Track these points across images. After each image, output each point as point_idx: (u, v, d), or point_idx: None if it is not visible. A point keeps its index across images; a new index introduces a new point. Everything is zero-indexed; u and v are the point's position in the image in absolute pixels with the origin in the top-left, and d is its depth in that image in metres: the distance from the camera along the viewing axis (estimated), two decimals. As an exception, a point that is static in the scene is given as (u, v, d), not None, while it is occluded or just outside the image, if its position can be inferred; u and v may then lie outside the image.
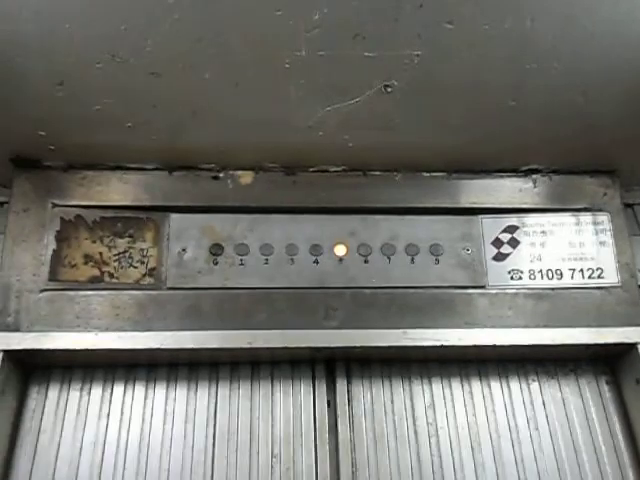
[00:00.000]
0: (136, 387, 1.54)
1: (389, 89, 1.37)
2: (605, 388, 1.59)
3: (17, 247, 1.49)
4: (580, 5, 1.21)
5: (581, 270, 1.58)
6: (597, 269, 1.58)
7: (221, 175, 1.60)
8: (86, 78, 1.31)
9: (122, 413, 1.51)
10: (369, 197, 1.61)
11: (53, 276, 1.49)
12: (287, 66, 1.30)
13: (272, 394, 1.55)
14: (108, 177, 1.57)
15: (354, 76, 1.33)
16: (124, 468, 1.46)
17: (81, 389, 1.53)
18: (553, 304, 1.54)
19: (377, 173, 1.63)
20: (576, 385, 1.60)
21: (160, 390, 1.54)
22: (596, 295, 1.55)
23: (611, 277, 1.56)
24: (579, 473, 1.50)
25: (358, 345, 1.48)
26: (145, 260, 1.53)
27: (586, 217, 1.62)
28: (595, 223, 1.62)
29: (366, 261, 1.56)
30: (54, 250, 1.50)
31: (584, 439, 1.54)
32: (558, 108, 1.43)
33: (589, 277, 1.57)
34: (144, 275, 1.52)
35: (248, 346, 1.46)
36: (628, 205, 1.70)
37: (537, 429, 1.54)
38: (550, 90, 1.38)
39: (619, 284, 1.56)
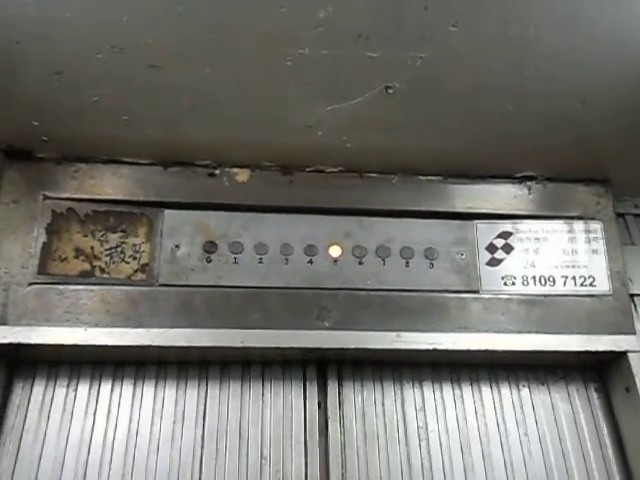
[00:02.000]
0: (124, 385, 1.51)
1: (390, 90, 1.36)
2: (594, 395, 1.60)
3: (5, 239, 1.46)
4: (583, 14, 1.22)
5: (573, 277, 1.58)
6: (589, 277, 1.58)
7: (217, 172, 1.58)
8: (85, 68, 1.28)
9: (109, 412, 1.48)
10: (365, 199, 1.60)
11: (42, 269, 1.45)
12: (289, 64, 1.29)
13: (262, 395, 1.53)
14: (102, 170, 1.54)
15: (356, 76, 1.33)
16: (110, 469, 1.43)
17: (67, 386, 1.50)
18: (545, 310, 1.55)
19: (374, 175, 1.62)
20: (566, 392, 1.61)
21: (149, 389, 1.51)
22: (587, 303, 1.56)
23: (603, 285, 1.57)
24: (567, 478, 1.50)
25: (351, 347, 1.47)
26: (137, 256, 1.51)
27: (579, 225, 1.63)
28: (588, 231, 1.63)
29: (361, 263, 1.56)
30: (44, 243, 1.47)
31: (573, 445, 1.54)
32: (556, 116, 1.44)
33: (581, 284, 1.58)
34: (136, 271, 1.50)
35: (240, 345, 1.44)
36: (620, 215, 1.71)
37: (527, 434, 1.54)
38: (549, 97, 1.39)
39: (610, 292, 1.57)
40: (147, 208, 1.55)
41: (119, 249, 1.51)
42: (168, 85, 1.33)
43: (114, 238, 1.52)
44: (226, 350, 1.47)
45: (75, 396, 1.49)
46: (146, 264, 1.51)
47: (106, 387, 1.51)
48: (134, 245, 1.52)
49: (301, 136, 1.48)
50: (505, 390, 1.59)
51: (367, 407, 1.54)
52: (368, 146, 1.53)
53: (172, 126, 1.45)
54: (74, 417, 1.47)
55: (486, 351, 1.50)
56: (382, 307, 1.52)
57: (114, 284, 1.47)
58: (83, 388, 1.50)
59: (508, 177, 1.65)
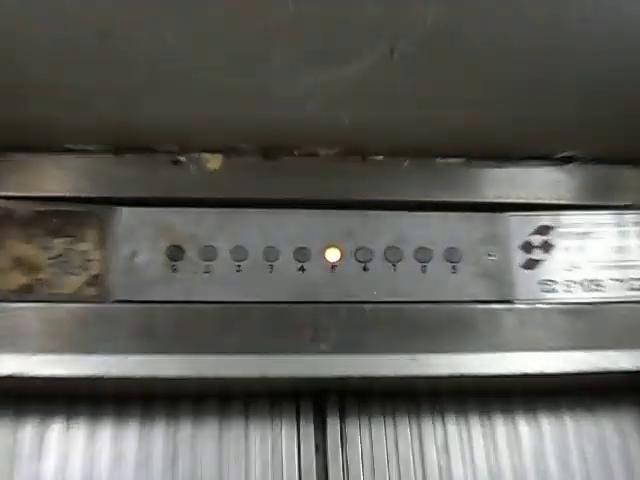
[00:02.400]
0: (77, 424, 1.56)
1: (395, 54, 1.39)
2: (651, 425, 1.66)
3: None
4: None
5: (626, 280, 1.62)
6: (645, 280, 1.63)
7: (182, 159, 1.62)
8: (20, 36, 1.30)
9: (59, 456, 1.53)
10: (369, 188, 1.63)
11: (-29, 285, 1.50)
12: (269, 24, 1.30)
13: (246, 436, 1.58)
14: (41, 162, 1.58)
15: (353, 38, 1.34)
16: (59, 525, 1.48)
17: (8, 425, 1.54)
18: (593, 322, 1.58)
19: (380, 158, 1.65)
20: (617, 420, 1.66)
21: (106, 428, 1.56)
22: (643, 311, 1.61)
23: (662, 289, 1.62)
24: (621, 526, 1.57)
25: (355, 374, 1.50)
26: (87, 265, 1.55)
27: (631, 216, 1.67)
28: (641, 224, 1.68)
29: (365, 269, 1.59)
30: (-29, 253, 1.52)
31: (626, 485, 1.60)
32: (600, 83, 1.46)
33: (635, 289, 1.62)
34: (85, 284, 1.54)
35: (216, 375, 1.48)
36: (682, 203, 1.74)
37: (569, 470, 1.60)
38: (591, 59, 1.40)
39: (672, 298, 1.62)
40: (97, 206, 1.58)
41: (64, 258, 1.55)
42: (121, 55, 1.35)
43: (58, 244, 1.55)
44: (199, 381, 1.50)
45: (17, 438, 1.54)
46: (97, 276, 1.55)
47: (55, 427, 1.55)
48: (82, 252, 1.56)
49: (287, 111, 1.50)
50: (545, 421, 1.64)
51: (377, 448, 1.58)
52: (372, 122, 1.55)
53: (126, 104, 1.48)
54: (17, 463, 1.51)
55: (522, 375, 1.52)
56: (393, 324, 1.55)
57: (59, 301, 1.51)
58: (26, 428, 1.55)
59: (546, 159, 1.68)
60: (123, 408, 1.58)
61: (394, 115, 1.54)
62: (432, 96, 1.50)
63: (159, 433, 1.57)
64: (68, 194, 1.58)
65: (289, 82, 1.44)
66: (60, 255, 1.55)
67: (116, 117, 1.52)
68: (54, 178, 1.58)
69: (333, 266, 1.59)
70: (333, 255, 1.60)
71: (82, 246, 1.56)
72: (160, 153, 1.62)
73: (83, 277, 1.55)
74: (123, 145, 1.61)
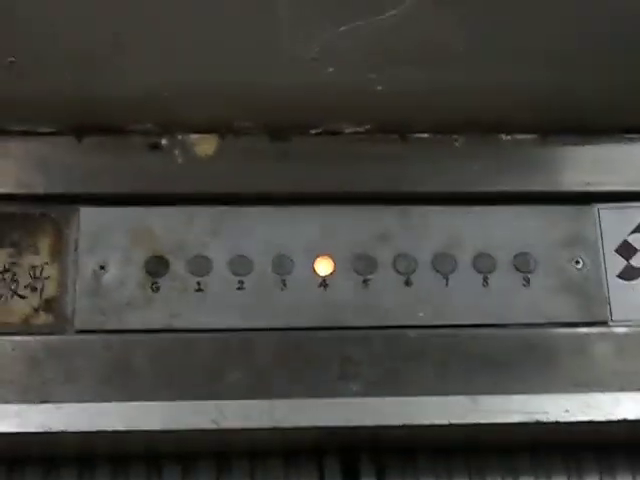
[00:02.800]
0: (25, 497, 1.54)
1: (445, -5, 1.38)
2: None
3: None
4: None
5: None
6: None
7: (164, 142, 1.60)
8: None
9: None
10: (411, 176, 1.61)
11: None
12: None
13: (252, 507, 1.56)
14: (-24, 147, 1.57)
15: None
16: None
17: None
18: None
19: (424, 136, 1.64)
20: None
21: (68, 498, 1.55)
22: None
23: None
24: None
25: (395, 423, 1.47)
26: (39, 285, 1.53)
27: None
28: None
29: (408, 283, 1.57)
30: None
31: None
32: None
33: None
34: (37, 310, 1.52)
35: (212, 427, 1.45)
36: None
37: None
38: None
39: None
40: (52, 206, 1.57)
41: (8, 275, 1.53)
42: (80, 5, 1.33)
43: (0, 257, 1.54)
44: (190, 435, 1.48)
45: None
46: (53, 298, 1.52)
47: (-7, 503, 1.54)
48: (32, 268, 1.54)
49: (300, 77, 1.49)
50: (656, 484, 1.61)
51: (426, 522, 1.57)
52: (411, 88, 1.53)
53: (88, 70, 1.46)
54: None
55: (623, 422, 1.49)
56: (445, 355, 1.52)
57: (2, 333, 1.49)
58: (-44, 507, 1.53)
59: (647, 131, 1.67)
60: (86, 473, 1.57)
61: (441, 78, 1.52)
62: (490, 51, 1.47)
63: (138, 503, 1.56)
64: (13, 191, 1.56)
65: (302, 37, 1.42)
66: (3, 272, 1.53)
67: (75, 88, 1.50)
68: (-5, 170, 1.57)
69: (365, 280, 1.57)
70: (365, 265, 1.57)
71: (32, 259, 1.54)
72: (134, 135, 1.60)
73: (34, 301, 1.52)
74: (85, 125, 1.59)
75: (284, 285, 1.56)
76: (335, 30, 1.41)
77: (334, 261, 1.58)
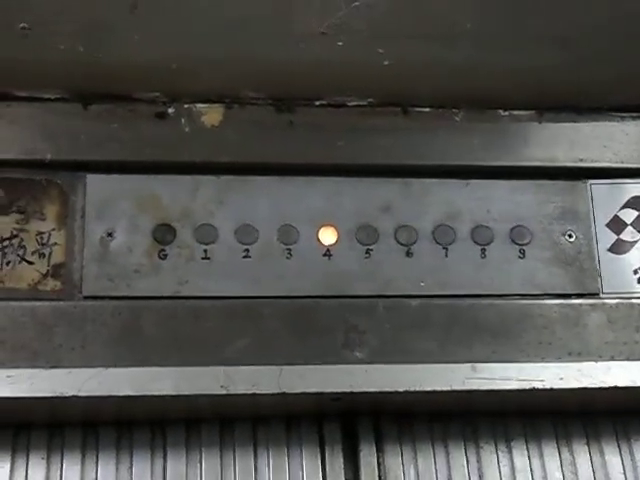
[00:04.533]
0: (32, 459, 1.55)
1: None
2: None
3: None
4: None
5: None
6: None
7: (170, 111, 1.60)
8: None
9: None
10: (413, 149, 1.63)
11: None
12: None
13: (255, 468, 1.58)
14: (-17, 113, 1.55)
15: None
16: None
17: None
18: (702, 322, 1.60)
19: (427, 110, 1.65)
20: None
21: (71, 464, 1.55)
22: None
23: None
24: None
25: (397, 389, 1.50)
26: (46, 251, 1.52)
27: None
28: None
29: (409, 253, 1.59)
30: None
31: None
32: None
33: None
34: (45, 276, 1.51)
35: (219, 392, 1.46)
36: None
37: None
38: None
39: None
40: (58, 172, 1.56)
41: (15, 242, 1.52)
42: None
43: (7, 224, 1.53)
44: (198, 400, 1.49)
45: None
46: (61, 264, 1.52)
47: (3, 463, 1.54)
48: (39, 234, 1.53)
49: (309, 49, 1.49)
50: (640, 448, 1.66)
51: (423, 483, 1.61)
52: (418, 63, 1.54)
53: (95, 37, 1.45)
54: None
55: (613, 389, 1.53)
56: (445, 324, 1.55)
57: (11, 298, 1.49)
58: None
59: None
60: (91, 438, 1.57)
61: (445, 54, 1.53)
62: (494, 29, 1.48)
63: (141, 467, 1.56)
64: (20, 157, 1.55)
65: (312, 10, 1.41)
66: (10, 238, 1.52)
67: (83, 54, 1.48)
68: (1, 135, 1.55)
69: (368, 250, 1.58)
70: (367, 236, 1.59)
71: (38, 225, 1.54)
72: (141, 103, 1.60)
73: (41, 266, 1.52)
74: (92, 92, 1.58)
75: (289, 254, 1.57)
76: (348, 5, 1.41)
77: (338, 231, 1.59)
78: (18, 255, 1.52)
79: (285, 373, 1.49)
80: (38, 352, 1.47)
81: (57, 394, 1.44)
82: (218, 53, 1.51)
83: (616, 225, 1.65)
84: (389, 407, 1.61)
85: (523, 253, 1.61)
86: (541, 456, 1.64)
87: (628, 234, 1.65)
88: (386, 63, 1.54)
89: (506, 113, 1.68)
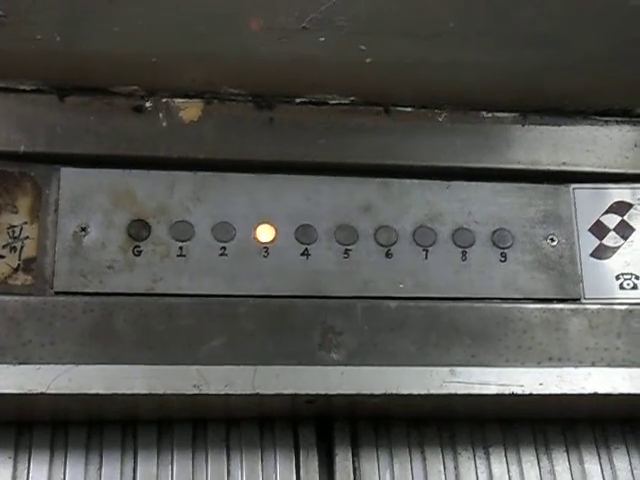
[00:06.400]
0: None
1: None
2: None
3: None
4: None
5: None
6: None
7: (148, 105, 1.58)
8: None
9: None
10: (394, 149, 1.61)
11: None
12: None
13: (228, 472, 1.56)
14: (-44, 103, 1.53)
15: None
16: None
17: None
18: (684, 329, 1.58)
19: (409, 110, 1.63)
20: None
21: (39, 463, 1.53)
22: None
23: None
24: None
25: (374, 392, 1.48)
26: (17, 245, 1.50)
27: None
28: None
29: (388, 254, 1.57)
30: None
31: None
32: None
33: None
34: (15, 270, 1.49)
35: (192, 391, 1.44)
36: None
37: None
38: None
39: None
40: (32, 165, 1.54)
41: (-13, 234, 1.50)
42: None
43: (-22, 216, 1.51)
44: (170, 399, 1.47)
45: None
46: (32, 259, 1.50)
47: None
48: (11, 227, 1.51)
49: (290, 45, 1.47)
50: (620, 457, 1.65)
51: (399, 489, 1.59)
52: (400, 61, 1.52)
53: (72, 27, 1.43)
54: None
55: (593, 395, 1.52)
56: (424, 327, 1.53)
57: (-20, 293, 1.47)
58: None
59: (624, 114, 1.68)
60: (60, 437, 1.56)
61: (428, 53, 1.51)
62: (479, 29, 1.46)
63: (111, 467, 1.54)
64: (-7, 148, 1.53)
65: (292, 5, 1.39)
66: (-19, 231, 1.50)
67: (59, 45, 1.46)
68: (-26, 126, 1.53)
69: (347, 250, 1.56)
70: (346, 236, 1.57)
71: (10, 219, 1.51)
72: (118, 96, 1.58)
73: (12, 260, 1.49)
74: (69, 84, 1.56)
75: (266, 252, 1.55)
76: (331, 0, 1.40)
77: (317, 230, 1.57)
78: (-12, 248, 1.50)
79: (260, 373, 1.46)
80: (6, 348, 1.44)
81: (25, 391, 1.41)
82: (198, 48, 1.48)
83: (599, 230, 1.64)
84: (365, 410, 1.59)
85: (504, 257, 1.60)
86: (520, 463, 1.63)
87: (611, 239, 1.63)
88: (368, 61, 1.52)
89: (489, 115, 1.66)
